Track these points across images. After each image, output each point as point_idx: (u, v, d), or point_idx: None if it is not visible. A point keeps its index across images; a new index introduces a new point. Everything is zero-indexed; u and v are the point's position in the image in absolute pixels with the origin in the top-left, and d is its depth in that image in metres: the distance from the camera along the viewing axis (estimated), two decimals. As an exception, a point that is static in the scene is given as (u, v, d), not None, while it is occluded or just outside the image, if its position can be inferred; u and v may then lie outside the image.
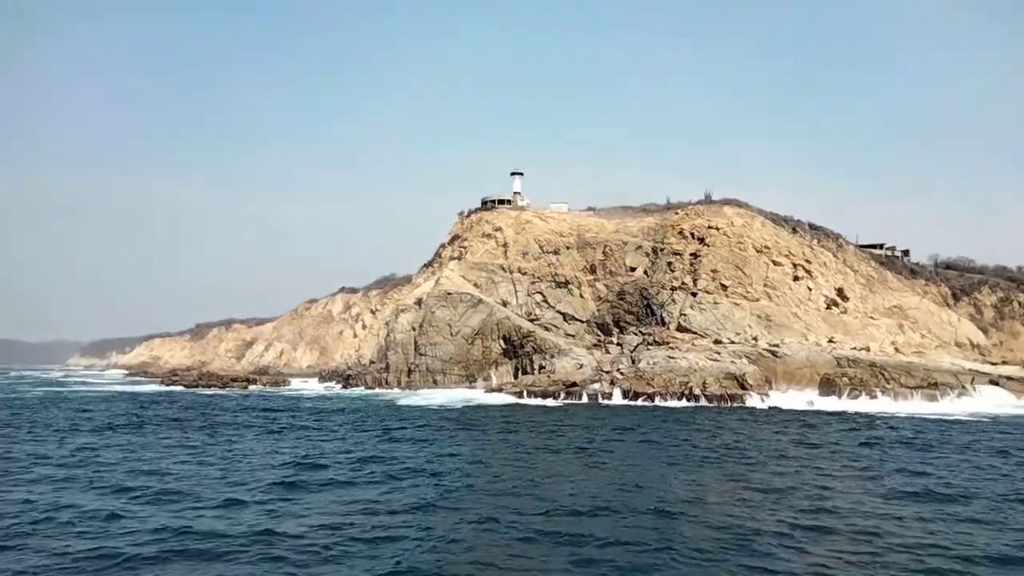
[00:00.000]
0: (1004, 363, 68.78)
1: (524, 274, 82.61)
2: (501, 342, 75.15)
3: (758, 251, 76.42)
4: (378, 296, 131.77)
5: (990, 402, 51.68)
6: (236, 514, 15.72)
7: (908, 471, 21.99)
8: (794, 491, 18.58)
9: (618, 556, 12.55)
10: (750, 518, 15.45)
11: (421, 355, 75.53)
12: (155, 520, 15.03)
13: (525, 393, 60.31)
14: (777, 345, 65.52)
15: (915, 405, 51.87)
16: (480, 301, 78.13)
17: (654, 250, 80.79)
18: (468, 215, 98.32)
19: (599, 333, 76.71)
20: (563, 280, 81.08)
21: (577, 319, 78.51)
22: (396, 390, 72.06)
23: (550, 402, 55.24)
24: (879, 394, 55.53)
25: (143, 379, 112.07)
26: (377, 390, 73.07)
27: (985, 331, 79.43)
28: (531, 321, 77.90)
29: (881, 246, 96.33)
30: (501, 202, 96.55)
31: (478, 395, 61.39)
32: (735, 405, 53.54)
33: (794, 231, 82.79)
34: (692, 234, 79.31)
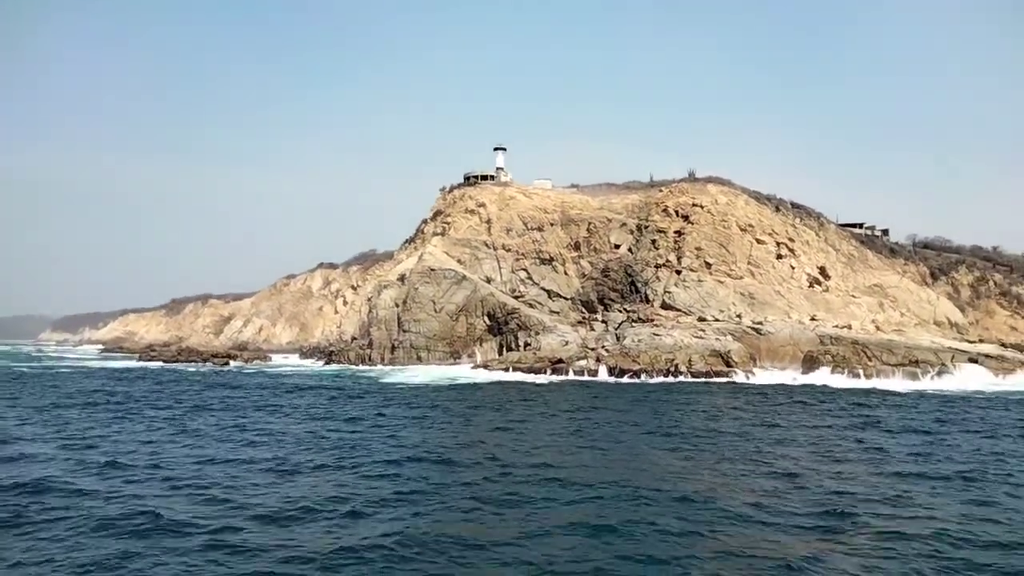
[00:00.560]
0: (981, 341, 70.00)
1: (508, 251, 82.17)
2: (486, 319, 74.88)
3: (742, 229, 76.63)
4: (358, 272, 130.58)
5: (971, 379, 52.50)
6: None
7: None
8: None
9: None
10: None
11: (405, 331, 75.00)
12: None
13: (511, 370, 60.18)
14: (761, 323, 65.99)
15: (898, 383, 52.53)
16: (464, 278, 77.65)
17: (638, 227, 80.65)
18: (451, 191, 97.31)
19: (583, 310, 76.70)
20: (547, 257, 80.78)
21: (561, 296, 78.39)
22: (380, 366, 71.54)
23: (539, 379, 55.02)
24: (861, 372, 56.18)
25: (119, 355, 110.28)
26: (361, 366, 72.43)
27: (962, 310, 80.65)
28: (515, 298, 77.63)
29: (861, 225, 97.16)
30: (484, 178, 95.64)
31: (464, 372, 61.10)
32: (722, 381, 53.74)
33: (777, 210, 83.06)
34: (676, 212, 79.24)
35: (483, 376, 56.15)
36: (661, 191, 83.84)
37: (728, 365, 58.43)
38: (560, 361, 61.58)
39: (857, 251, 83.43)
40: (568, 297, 78.25)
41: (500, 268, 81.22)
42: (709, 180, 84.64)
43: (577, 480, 16.72)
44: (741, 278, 73.24)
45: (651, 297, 73.72)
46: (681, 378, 55.63)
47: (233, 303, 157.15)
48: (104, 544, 11.71)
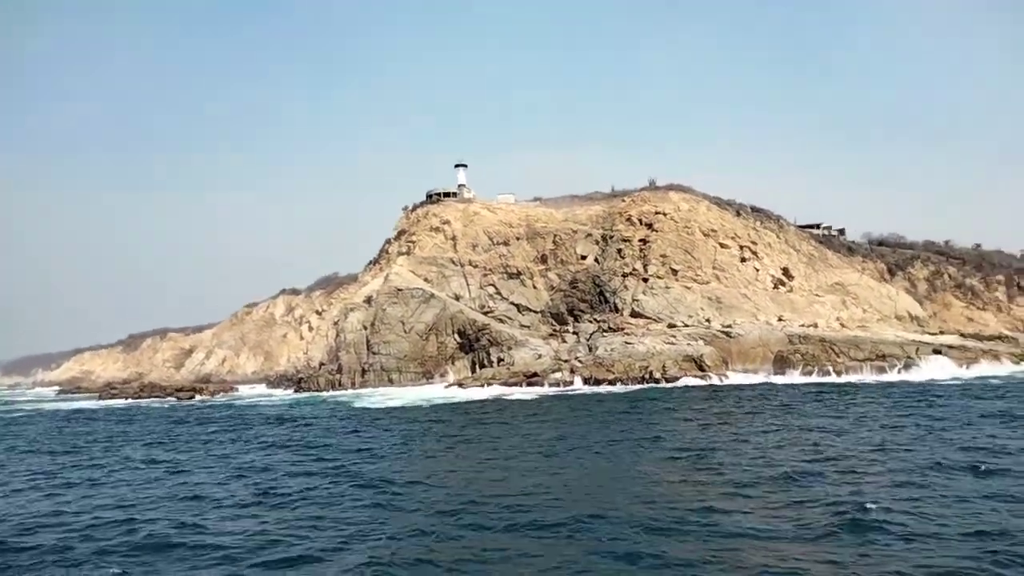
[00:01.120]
0: (941, 333, 71.89)
1: (475, 267, 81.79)
2: (456, 336, 74.22)
3: (705, 235, 77.64)
4: (322, 296, 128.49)
5: (938, 371, 53.66)
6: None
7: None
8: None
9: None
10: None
11: (374, 354, 73.84)
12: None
13: (486, 386, 59.60)
14: (730, 326, 66.68)
15: (868, 377, 53.43)
16: (432, 296, 76.95)
17: (603, 238, 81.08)
18: (413, 209, 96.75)
19: (554, 323, 76.60)
20: (515, 271, 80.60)
21: (531, 310, 78.20)
22: (351, 390, 70.22)
23: (515, 392, 54.44)
24: (831, 369, 57.03)
25: (77, 395, 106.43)
26: (331, 392, 70.97)
27: (920, 303, 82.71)
28: (485, 314, 77.19)
29: (818, 226, 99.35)
30: (447, 195, 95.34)
31: (439, 392, 60.27)
32: (701, 384, 53.93)
33: (738, 214, 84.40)
34: (640, 220, 79.95)
35: (460, 394, 55.46)
36: (624, 201, 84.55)
37: (701, 369, 58.80)
38: (535, 375, 61.27)
39: (817, 251, 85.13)
40: (538, 310, 78.09)
41: (468, 285, 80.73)
42: (670, 188, 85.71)
43: (587, 503, 16.35)
44: (707, 283, 74.05)
45: (620, 306, 74.02)
46: (657, 384, 55.66)
47: (193, 335, 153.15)
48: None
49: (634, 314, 72.38)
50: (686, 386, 52.55)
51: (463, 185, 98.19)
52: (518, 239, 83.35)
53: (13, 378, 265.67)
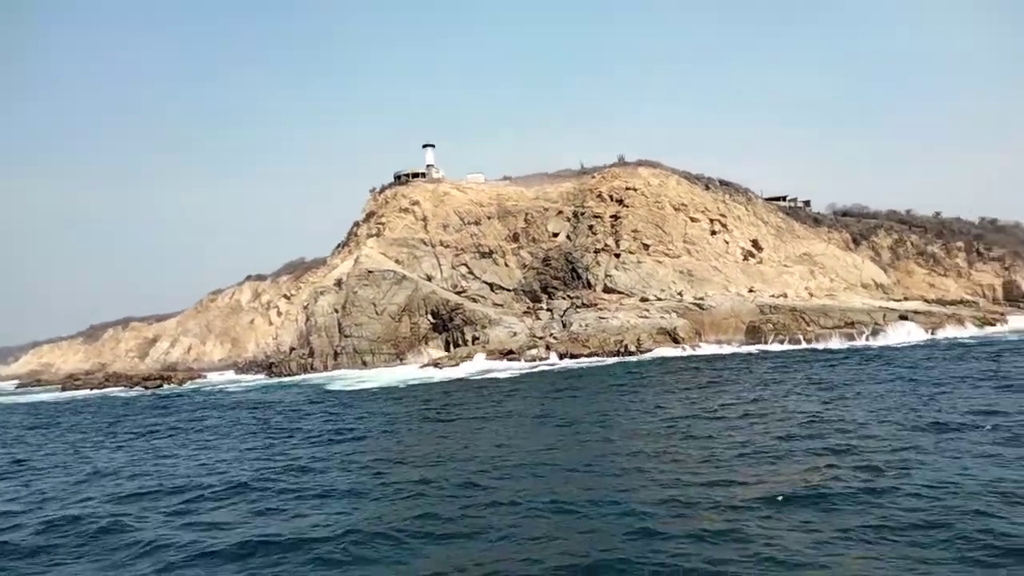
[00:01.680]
0: (906, 299, 73.43)
1: (446, 247, 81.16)
2: (429, 317, 73.70)
3: (675, 209, 78.00)
4: (289, 281, 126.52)
5: (905, 336, 54.80)
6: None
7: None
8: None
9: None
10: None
11: (346, 336, 72.99)
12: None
13: (461, 365, 59.27)
14: (702, 298, 67.23)
15: (837, 344, 54.31)
16: (404, 277, 76.19)
17: (575, 214, 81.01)
18: (382, 191, 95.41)
19: (527, 300, 76.50)
20: (487, 250, 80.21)
21: (504, 288, 77.98)
22: (324, 373, 69.40)
23: (495, 372, 53.89)
24: (801, 337, 57.91)
25: (38, 388, 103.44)
26: (304, 375, 70.06)
27: (884, 271, 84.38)
28: (458, 293, 76.76)
29: (784, 198, 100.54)
30: (415, 175, 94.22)
31: (414, 372, 59.71)
32: (677, 355, 54.25)
33: (707, 188, 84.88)
34: (611, 196, 80.00)
35: (436, 374, 55.04)
36: (594, 177, 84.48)
37: (676, 341, 59.28)
38: (511, 352, 61.18)
39: (784, 223, 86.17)
40: (511, 288, 77.91)
41: (440, 265, 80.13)
42: (640, 163, 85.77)
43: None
44: (679, 257, 74.52)
45: (593, 282, 74.17)
46: (633, 357, 55.87)
47: (157, 324, 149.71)
48: None
49: (607, 289, 72.61)
50: (662, 358, 52.81)
51: (431, 165, 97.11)
52: (489, 218, 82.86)
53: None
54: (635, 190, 79.39)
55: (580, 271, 75.28)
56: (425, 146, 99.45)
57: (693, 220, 77.56)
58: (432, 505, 13.22)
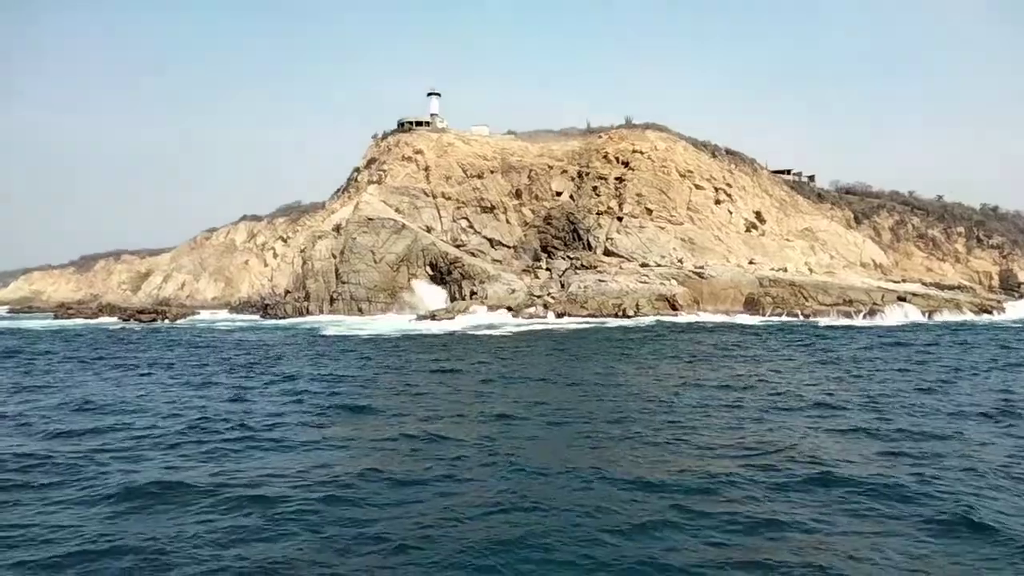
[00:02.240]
0: (904, 281, 73.61)
1: (448, 199, 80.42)
2: (428, 268, 73.37)
3: (681, 175, 77.37)
4: (285, 224, 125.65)
5: (902, 317, 55.02)
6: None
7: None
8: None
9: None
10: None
11: (343, 283, 72.64)
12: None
13: (457, 318, 59.16)
14: (703, 267, 67.16)
15: (834, 321, 54.48)
16: (404, 227, 75.59)
17: (579, 174, 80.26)
18: (384, 137, 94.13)
19: (527, 258, 76.21)
20: (488, 205, 79.54)
21: (504, 244, 77.59)
22: (319, 317, 69.25)
23: (497, 328, 53.53)
24: (799, 312, 58.07)
25: (28, 314, 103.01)
26: (299, 318, 69.90)
27: (883, 252, 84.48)
28: (457, 247, 76.31)
29: (789, 172, 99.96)
30: (419, 124, 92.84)
31: (411, 323, 59.43)
32: (679, 321, 54.27)
33: (713, 155, 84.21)
34: (617, 158, 79.18)
35: (433, 326, 54.84)
36: (600, 137, 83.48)
37: (674, 308, 59.37)
38: (509, 308, 61.10)
39: (788, 196, 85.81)
40: (511, 245, 77.53)
41: (440, 217, 79.49)
42: (647, 126, 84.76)
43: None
44: (681, 224, 74.20)
45: (594, 244, 73.87)
46: (630, 321, 55.85)
47: (150, 259, 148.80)
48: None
49: (607, 252, 72.35)
50: (661, 322, 52.72)
51: (435, 114, 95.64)
52: (492, 172, 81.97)
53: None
54: (642, 153, 78.57)
55: (581, 232, 74.88)
56: (430, 94, 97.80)
57: (698, 187, 77.01)
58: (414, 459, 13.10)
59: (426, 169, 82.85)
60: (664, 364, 27.22)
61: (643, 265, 69.02)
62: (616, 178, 77.50)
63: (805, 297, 61.30)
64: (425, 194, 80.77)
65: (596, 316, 57.63)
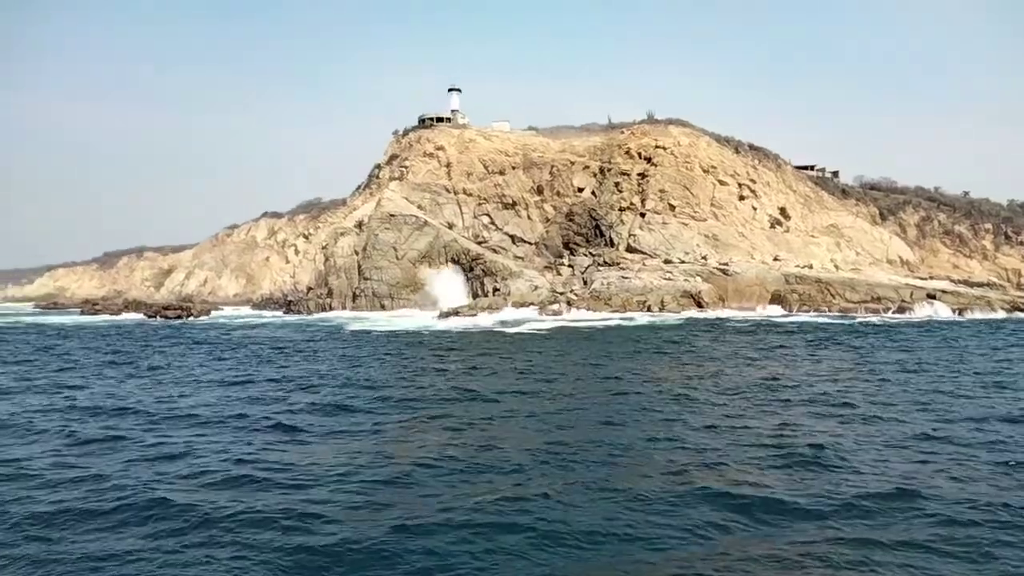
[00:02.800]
0: (931, 278, 72.59)
1: (469, 195, 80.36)
2: (450, 265, 73.36)
3: (705, 171, 76.78)
4: (306, 221, 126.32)
5: (932, 315, 54.20)
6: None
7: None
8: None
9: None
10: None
11: (366, 279, 72.86)
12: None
13: (480, 315, 59.04)
14: (727, 264, 66.62)
15: (870, 318, 53.79)
16: (426, 223, 75.63)
17: (601, 170, 79.87)
18: (405, 134, 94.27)
19: (549, 255, 76.00)
20: (510, 201, 79.39)
21: (525, 241, 77.43)
22: (343, 313, 69.45)
23: (521, 325, 53.17)
24: (827, 310, 57.44)
25: (55, 311, 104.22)
26: (321, 315, 70.13)
27: (910, 248, 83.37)
28: (479, 244, 76.23)
29: (813, 167, 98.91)
30: (440, 120, 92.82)
31: (435, 319, 59.43)
32: (707, 317, 53.81)
33: (736, 151, 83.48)
34: (639, 154, 78.71)
35: (458, 323, 54.76)
36: (623, 133, 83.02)
37: (699, 306, 58.95)
38: (532, 305, 60.92)
39: (813, 192, 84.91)
40: (532, 242, 77.36)
41: (462, 213, 79.46)
42: (670, 122, 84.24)
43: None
44: (705, 220, 73.65)
45: (616, 240, 73.53)
46: (658, 318, 55.43)
47: (172, 255, 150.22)
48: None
49: (630, 249, 71.99)
50: (691, 319, 51.97)
51: (456, 110, 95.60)
52: (514, 168, 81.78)
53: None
54: (664, 149, 78.04)
55: (604, 228, 74.56)
56: (451, 90, 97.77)
57: (722, 183, 76.39)
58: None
59: (447, 165, 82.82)
60: (730, 363, 26.72)
61: (666, 262, 68.57)
62: (639, 174, 77.05)
63: (832, 294, 60.64)
64: (447, 190, 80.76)
65: (620, 312, 57.26)
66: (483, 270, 71.13)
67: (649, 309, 57.75)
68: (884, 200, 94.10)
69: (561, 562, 8.08)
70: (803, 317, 54.28)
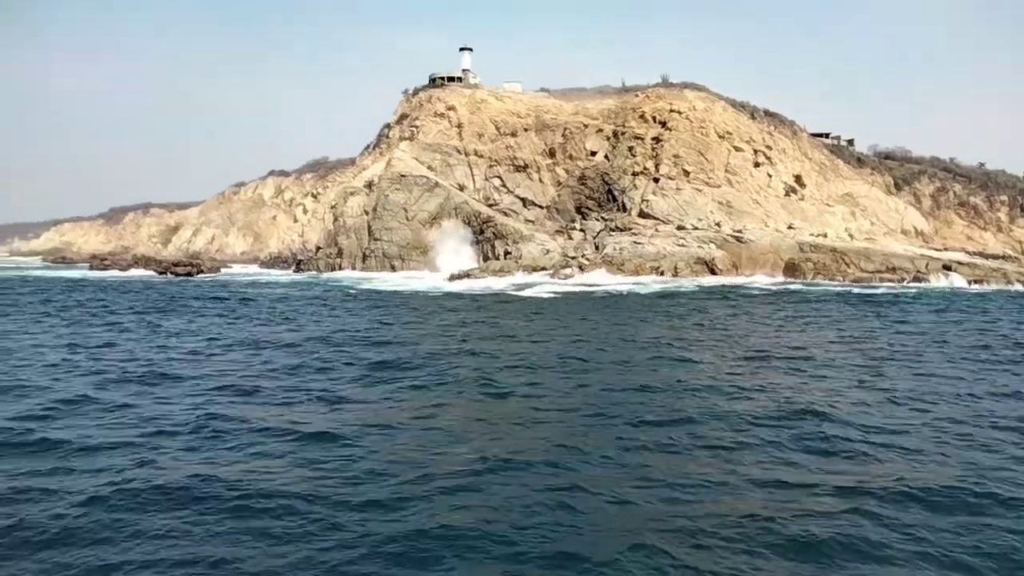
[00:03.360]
0: (945, 249, 71.98)
1: (480, 157, 79.40)
2: (460, 227, 72.81)
3: (720, 136, 75.61)
4: (313, 180, 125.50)
5: (951, 287, 53.73)
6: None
7: None
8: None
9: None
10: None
11: (376, 240, 72.48)
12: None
13: (491, 278, 58.71)
14: (741, 231, 66.01)
15: (892, 289, 53.33)
16: (436, 184, 74.95)
17: (614, 134, 78.69)
18: (415, 93, 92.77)
19: (560, 219, 75.36)
20: (522, 164, 78.45)
21: (537, 204, 76.71)
22: (352, 273, 69.28)
23: (534, 288, 52.38)
24: (841, 279, 57.01)
25: (62, 265, 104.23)
26: (331, 274, 69.92)
27: (924, 219, 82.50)
28: (489, 206, 75.60)
29: (828, 135, 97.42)
30: (451, 79, 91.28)
31: (446, 281, 59.02)
32: (726, 283, 53.29)
33: (752, 117, 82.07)
34: (654, 118, 77.41)
35: (470, 285, 54.50)
36: (637, 96, 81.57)
37: (713, 272, 58.60)
38: (544, 269, 60.64)
39: (828, 160, 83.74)
40: (544, 205, 76.64)
41: (473, 175, 78.61)
42: (685, 86, 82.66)
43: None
44: (719, 186, 72.76)
45: (629, 205, 72.75)
46: (673, 284, 54.71)
47: (178, 212, 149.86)
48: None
49: (643, 214, 71.25)
50: (707, 286, 51.30)
51: (467, 70, 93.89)
52: (526, 130, 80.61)
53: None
54: (679, 113, 76.74)
55: (616, 193, 73.74)
56: (462, 49, 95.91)
57: (737, 150, 75.28)
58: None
59: (459, 126, 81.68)
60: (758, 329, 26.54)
61: (679, 228, 67.92)
62: (653, 138, 75.87)
63: (847, 264, 60.15)
64: (457, 151, 79.81)
65: (633, 277, 56.90)
66: (494, 233, 70.65)
67: (662, 275, 57.40)
68: (899, 170, 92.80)
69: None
70: (823, 284, 53.83)
